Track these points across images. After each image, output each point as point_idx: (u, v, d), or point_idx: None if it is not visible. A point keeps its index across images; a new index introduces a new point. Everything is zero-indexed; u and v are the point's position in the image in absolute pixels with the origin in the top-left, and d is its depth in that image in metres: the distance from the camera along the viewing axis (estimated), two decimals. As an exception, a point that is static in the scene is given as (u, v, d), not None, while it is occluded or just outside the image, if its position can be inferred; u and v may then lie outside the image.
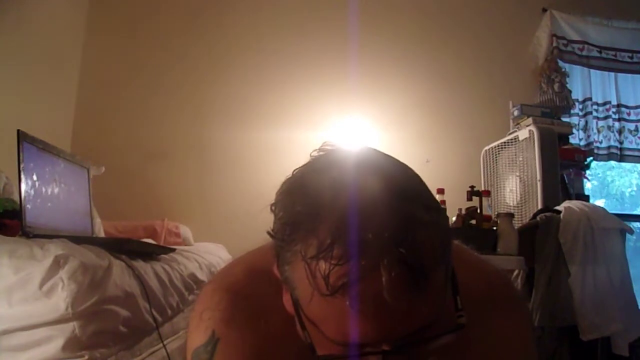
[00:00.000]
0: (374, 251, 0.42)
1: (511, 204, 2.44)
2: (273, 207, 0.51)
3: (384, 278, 0.42)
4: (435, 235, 0.45)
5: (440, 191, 1.93)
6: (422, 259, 0.43)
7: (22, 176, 1.24)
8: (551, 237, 1.97)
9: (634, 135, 3.16)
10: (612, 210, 2.25)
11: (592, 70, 3.16)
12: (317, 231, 0.44)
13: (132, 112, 2.90)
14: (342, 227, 0.43)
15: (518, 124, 2.60)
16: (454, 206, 1.92)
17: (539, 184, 2.25)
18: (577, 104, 3.07)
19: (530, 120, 2.50)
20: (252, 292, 0.59)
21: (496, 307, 0.61)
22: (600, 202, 3.39)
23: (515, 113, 2.64)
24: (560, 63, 3.04)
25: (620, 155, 3.12)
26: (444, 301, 0.47)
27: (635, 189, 3.69)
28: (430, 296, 0.45)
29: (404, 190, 0.47)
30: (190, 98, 2.93)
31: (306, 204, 0.47)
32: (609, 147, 3.11)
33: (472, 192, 2.01)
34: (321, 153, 0.54)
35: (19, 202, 1.25)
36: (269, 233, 0.51)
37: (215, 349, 0.56)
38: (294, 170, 0.52)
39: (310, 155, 0.54)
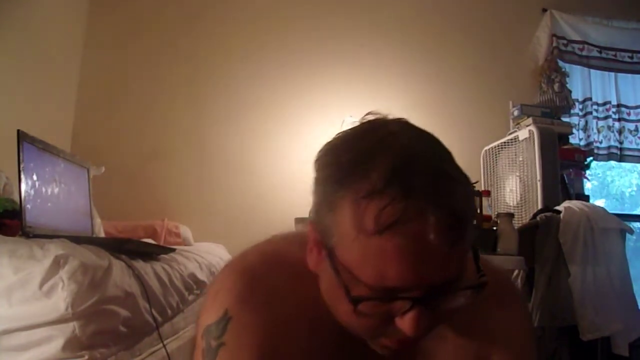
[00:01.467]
0: (423, 195, 0.47)
1: (511, 204, 2.44)
2: (316, 162, 0.55)
3: (432, 220, 0.46)
4: (469, 195, 0.51)
5: (441, 191, 1.93)
6: (460, 211, 0.48)
7: (22, 176, 1.24)
8: (551, 237, 1.97)
9: (634, 135, 3.16)
10: (612, 210, 2.25)
11: (592, 70, 3.16)
12: (370, 174, 0.48)
13: (132, 112, 2.90)
14: (394, 172, 0.47)
15: (518, 124, 2.60)
16: (454, 206, 1.92)
17: (539, 184, 2.25)
18: (577, 104, 3.07)
19: (530, 120, 2.50)
20: (266, 275, 0.60)
21: (498, 300, 0.64)
22: (600, 202, 3.39)
23: (515, 113, 2.64)
24: (560, 63, 3.03)
25: (620, 155, 3.12)
26: (467, 261, 0.51)
27: (635, 189, 3.69)
28: (462, 249, 0.49)
29: (443, 154, 0.52)
30: (190, 98, 2.93)
31: (357, 152, 0.51)
32: (609, 147, 3.11)
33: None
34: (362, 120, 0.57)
35: (19, 202, 1.25)
36: (316, 180, 0.54)
37: (226, 327, 0.57)
38: (337, 134, 0.56)
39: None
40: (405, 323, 0.49)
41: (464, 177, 0.51)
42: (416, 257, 0.46)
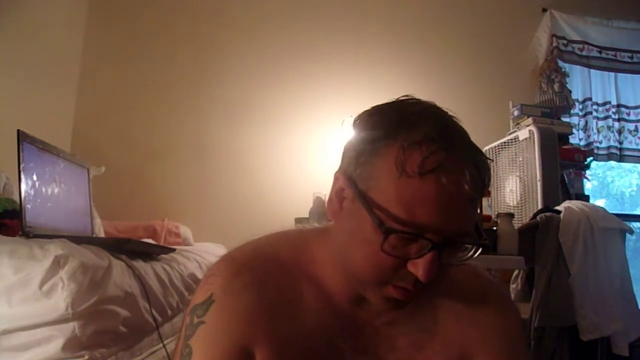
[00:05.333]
0: (463, 153, 0.55)
1: (511, 204, 2.44)
2: (358, 121, 0.61)
3: (467, 173, 0.54)
4: (489, 168, 0.59)
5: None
6: (485, 174, 0.57)
7: (22, 176, 1.24)
8: (551, 237, 1.97)
9: (633, 136, 3.17)
10: (612, 210, 2.25)
11: (592, 70, 3.16)
12: (421, 127, 0.55)
13: (132, 112, 2.90)
14: (443, 128, 0.55)
15: (518, 124, 2.60)
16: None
17: (539, 184, 2.24)
18: (577, 104, 3.07)
19: (530, 120, 2.50)
20: (252, 265, 0.65)
21: (489, 303, 0.69)
22: (600, 202, 3.39)
23: (515, 113, 2.64)
24: (560, 63, 3.03)
25: (620, 155, 3.12)
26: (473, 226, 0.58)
27: (635, 189, 3.69)
28: (476, 209, 0.57)
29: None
30: (190, 98, 2.93)
31: (405, 113, 0.58)
32: (608, 147, 3.11)
33: (472, 192, 2.00)
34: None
35: (19, 202, 1.25)
36: (357, 134, 0.60)
37: (209, 308, 0.62)
38: (374, 105, 0.63)
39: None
40: (419, 266, 0.55)
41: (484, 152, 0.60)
42: (448, 202, 0.53)
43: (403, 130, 0.55)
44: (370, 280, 0.58)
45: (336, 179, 0.61)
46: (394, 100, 0.62)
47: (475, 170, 0.55)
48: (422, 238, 0.54)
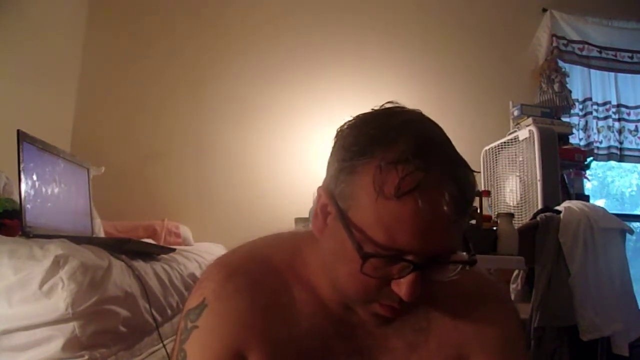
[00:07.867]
0: (442, 171, 0.52)
1: (511, 204, 2.44)
2: (338, 134, 0.60)
3: (447, 193, 0.52)
4: (474, 181, 0.56)
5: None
6: (469, 191, 0.54)
7: (22, 176, 1.24)
8: (551, 237, 1.97)
9: (633, 136, 3.17)
10: (612, 210, 2.25)
11: (592, 70, 3.16)
12: (397, 145, 0.53)
13: (132, 112, 2.90)
14: (419, 146, 0.53)
15: (518, 124, 2.60)
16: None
17: (539, 184, 2.24)
18: (577, 104, 3.07)
19: (530, 120, 2.50)
20: (244, 269, 0.65)
21: (485, 302, 0.68)
22: (600, 202, 3.39)
23: (515, 113, 2.64)
24: (560, 63, 3.03)
25: (620, 155, 3.12)
26: (460, 242, 0.57)
27: (635, 189, 3.69)
28: (461, 226, 0.55)
29: (452, 145, 0.58)
30: (190, 98, 2.93)
31: (383, 128, 0.56)
32: (609, 147, 3.11)
33: (472, 192, 2.00)
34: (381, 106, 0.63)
35: (19, 202, 1.25)
36: (336, 149, 0.58)
37: (201, 313, 0.63)
38: (358, 114, 0.61)
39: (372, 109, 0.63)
40: (402, 286, 0.54)
41: (470, 166, 0.58)
42: (427, 224, 0.51)
43: (380, 148, 0.53)
44: (356, 298, 0.59)
45: (319, 195, 0.60)
46: (377, 109, 0.61)
47: (456, 189, 0.52)
48: (402, 260, 0.53)
